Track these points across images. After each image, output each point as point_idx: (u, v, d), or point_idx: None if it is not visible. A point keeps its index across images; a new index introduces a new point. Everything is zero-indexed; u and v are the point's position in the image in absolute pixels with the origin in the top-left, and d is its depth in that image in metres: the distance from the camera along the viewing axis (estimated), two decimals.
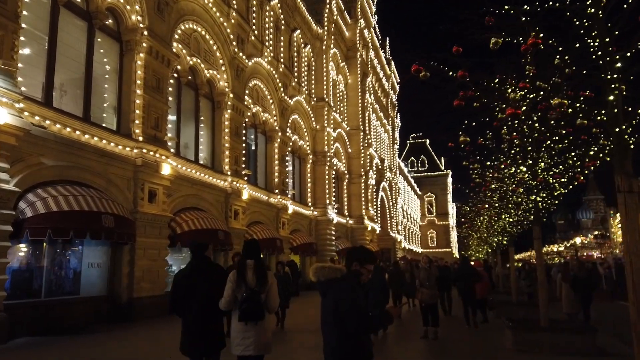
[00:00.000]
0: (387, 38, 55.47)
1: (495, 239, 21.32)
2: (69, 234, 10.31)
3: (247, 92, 21.26)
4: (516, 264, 39.83)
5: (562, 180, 9.12)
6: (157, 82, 14.65)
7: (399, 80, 60.46)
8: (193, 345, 4.80)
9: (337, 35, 35.07)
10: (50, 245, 11.25)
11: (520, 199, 11.40)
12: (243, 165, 20.09)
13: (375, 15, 47.70)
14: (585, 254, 59.71)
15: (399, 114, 63.15)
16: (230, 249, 17.57)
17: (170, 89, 15.61)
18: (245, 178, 20.07)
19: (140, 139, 13.65)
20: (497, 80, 7.08)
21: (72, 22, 12.62)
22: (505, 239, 21.94)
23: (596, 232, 53.18)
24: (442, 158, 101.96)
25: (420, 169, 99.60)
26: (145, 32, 14.07)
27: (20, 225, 9.81)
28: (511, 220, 15.12)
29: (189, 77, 17.54)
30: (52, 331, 10.50)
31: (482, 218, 20.17)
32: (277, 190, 23.61)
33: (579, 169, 8.34)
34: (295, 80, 27.11)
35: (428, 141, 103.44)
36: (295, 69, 27.77)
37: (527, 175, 9.42)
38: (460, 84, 6.43)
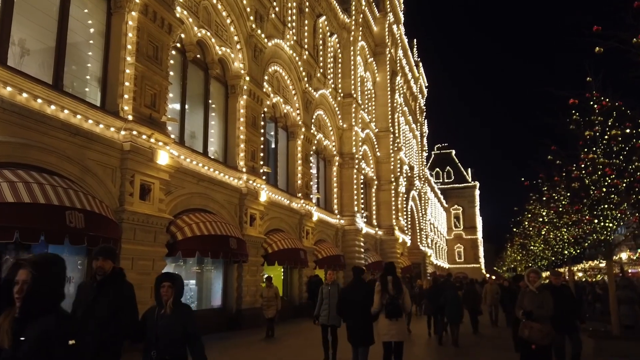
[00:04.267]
0: (415, 40, 52.38)
1: (566, 251, 17.71)
2: (13, 235, 7.27)
3: (266, 78, 18.27)
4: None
5: None
6: (154, 50, 11.72)
7: (427, 84, 57.14)
8: (355, 337, 6.90)
9: (365, 29, 32.07)
10: None
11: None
12: (261, 162, 17.00)
13: (403, 16, 44.70)
14: (629, 270, 54.77)
15: (426, 120, 59.70)
16: (245, 261, 14.44)
17: (172, 61, 12.68)
18: (264, 177, 16.97)
19: (130, 117, 10.67)
20: None
21: None
22: (576, 251, 18.33)
23: None
24: (469, 169, 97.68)
25: (446, 180, 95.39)
26: None
27: None
28: (610, 225, 11.63)
29: (197, 55, 14.63)
30: None
31: (550, 224, 16.63)
32: (300, 194, 20.44)
33: None
34: (321, 71, 24.09)
35: (454, 152, 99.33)
36: (321, 59, 24.78)
37: None
38: None
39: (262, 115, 17.67)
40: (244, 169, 15.65)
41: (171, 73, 12.55)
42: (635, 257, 57.36)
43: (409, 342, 11.99)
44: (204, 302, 14.45)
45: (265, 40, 17.62)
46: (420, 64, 52.80)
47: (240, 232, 14.54)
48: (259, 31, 17.08)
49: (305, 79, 21.63)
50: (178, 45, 13.48)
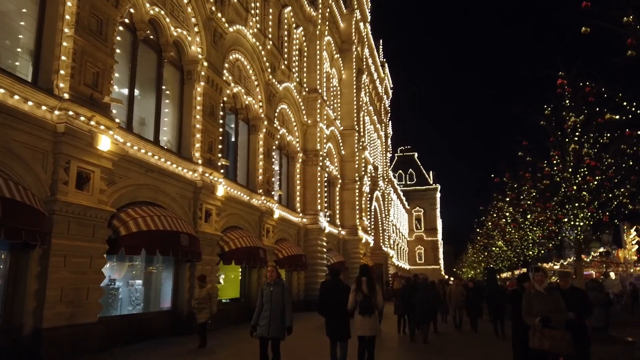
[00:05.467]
0: (381, 40, 52.20)
1: (530, 252, 17.53)
2: None
3: (226, 65, 17.20)
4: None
5: None
6: (98, 24, 10.51)
7: (392, 86, 57.11)
8: (333, 333, 7.37)
9: (332, 24, 31.38)
10: None
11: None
12: (219, 155, 15.91)
13: (370, 15, 44.33)
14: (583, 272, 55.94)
15: (390, 122, 59.69)
16: (199, 260, 13.34)
17: (119, 38, 11.48)
18: (222, 170, 15.90)
19: (67, 96, 9.44)
20: None
21: None
22: (540, 252, 18.22)
23: (601, 250, 50.02)
24: (431, 172, 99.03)
25: (408, 182, 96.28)
26: None
27: None
28: (580, 224, 11.28)
29: (150, 35, 13.44)
30: None
31: (515, 222, 16.39)
32: (261, 190, 19.44)
33: None
34: (285, 63, 23.16)
35: (416, 154, 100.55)
36: (286, 51, 23.86)
37: None
38: None
39: (222, 105, 16.61)
40: (200, 161, 14.54)
41: (118, 51, 11.35)
42: (588, 260, 59.30)
43: (382, 339, 11.98)
44: (152, 304, 13.27)
45: (227, 25, 16.55)
46: (386, 65, 52.68)
47: (193, 229, 13.45)
48: (220, 15, 16.01)
49: (269, 70, 20.66)
50: (127, 21, 12.27)
